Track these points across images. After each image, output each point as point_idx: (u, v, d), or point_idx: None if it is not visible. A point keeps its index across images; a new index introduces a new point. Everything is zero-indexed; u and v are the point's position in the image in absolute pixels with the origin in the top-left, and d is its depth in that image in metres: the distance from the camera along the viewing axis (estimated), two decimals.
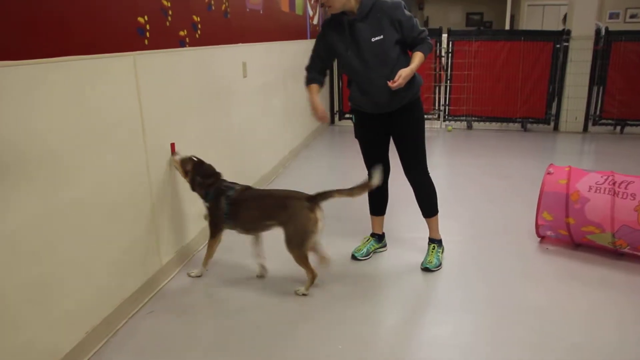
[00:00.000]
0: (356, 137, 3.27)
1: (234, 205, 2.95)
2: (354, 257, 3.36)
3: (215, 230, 3.05)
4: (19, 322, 2.01)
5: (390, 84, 2.80)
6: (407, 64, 2.90)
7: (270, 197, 3.05)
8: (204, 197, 3.03)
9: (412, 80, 2.93)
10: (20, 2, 1.96)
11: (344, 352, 2.44)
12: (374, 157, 3.20)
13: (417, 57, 2.91)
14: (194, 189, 3.04)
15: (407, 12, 2.92)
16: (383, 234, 3.50)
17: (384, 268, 3.27)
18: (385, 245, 3.52)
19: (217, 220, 3.01)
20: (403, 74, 2.80)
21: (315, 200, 2.83)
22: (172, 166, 3.10)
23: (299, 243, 2.82)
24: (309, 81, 3.15)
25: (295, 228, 2.82)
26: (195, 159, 3.06)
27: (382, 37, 2.87)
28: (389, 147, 3.23)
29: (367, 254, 3.39)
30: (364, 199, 3.40)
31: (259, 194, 3.12)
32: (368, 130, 3.19)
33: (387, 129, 3.15)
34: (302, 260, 2.86)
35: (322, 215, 2.84)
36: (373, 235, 3.48)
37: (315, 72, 3.15)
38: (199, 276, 3.14)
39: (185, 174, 3.04)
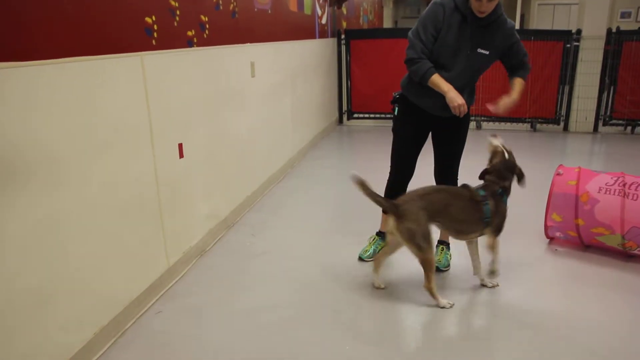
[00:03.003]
0: (393, 130, 3.18)
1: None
2: (360, 259, 3.34)
3: (501, 229, 2.92)
4: (28, 323, 2.02)
5: (490, 106, 2.87)
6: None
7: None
8: (497, 190, 2.87)
9: (472, 93, 3.00)
10: (26, 3, 1.97)
11: (352, 353, 2.43)
12: (406, 155, 3.15)
13: (518, 85, 2.96)
14: (493, 182, 2.90)
15: (517, 35, 2.91)
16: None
17: (392, 268, 3.25)
18: None
19: (504, 218, 2.90)
20: (504, 104, 2.89)
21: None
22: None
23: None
24: (429, 71, 2.83)
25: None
26: (509, 155, 2.97)
27: (488, 52, 2.84)
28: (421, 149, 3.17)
29: (374, 255, 3.37)
30: (364, 197, 3.38)
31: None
32: (411, 126, 3.09)
33: (431, 129, 3.11)
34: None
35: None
36: (379, 234, 3.45)
37: (428, 60, 2.85)
38: (497, 285, 3.02)
39: (490, 162, 2.97)
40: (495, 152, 2.97)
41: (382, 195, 3.08)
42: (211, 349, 2.48)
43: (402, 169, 3.20)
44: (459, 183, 3.05)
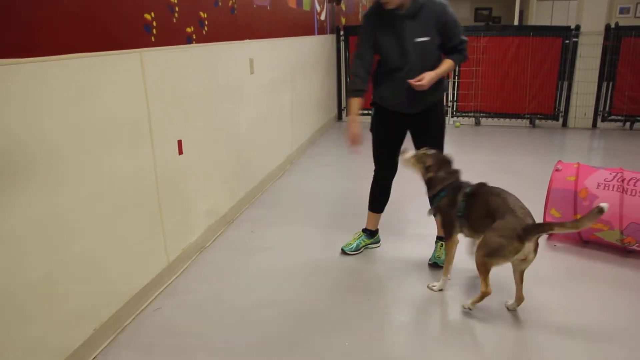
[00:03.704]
0: (371, 130, 3.25)
1: (468, 202, 2.75)
2: (343, 252, 3.38)
3: (449, 231, 2.85)
4: (29, 319, 2.03)
5: (412, 82, 2.80)
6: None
7: (498, 197, 2.67)
8: (437, 193, 2.85)
9: (439, 85, 2.93)
10: (27, 1, 1.96)
11: (351, 349, 2.44)
12: (385, 154, 3.22)
13: (446, 64, 2.91)
14: (430, 186, 2.87)
15: (454, 16, 2.88)
16: (376, 230, 3.49)
17: (388, 265, 3.26)
18: (378, 242, 3.52)
19: (451, 219, 2.81)
20: (427, 77, 2.80)
21: (530, 231, 2.48)
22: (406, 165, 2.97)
23: (488, 253, 2.55)
24: (353, 93, 3.01)
25: (492, 238, 2.54)
26: (431, 152, 2.92)
27: (428, 38, 2.85)
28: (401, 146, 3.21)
29: (357, 249, 3.40)
30: (363, 194, 3.40)
31: (493, 192, 2.74)
32: (385, 126, 3.16)
33: (406, 128, 3.14)
34: (480, 268, 2.62)
35: (531, 250, 2.53)
36: (365, 230, 3.48)
37: (361, 79, 2.99)
38: (442, 290, 2.93)
39: (426, 169, 2.87)
40: (421, 158, 2.92)
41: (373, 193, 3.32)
42: (211, 344, 2.49)
43: (383, 166, 3.28)
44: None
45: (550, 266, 3.24)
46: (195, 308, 2.81)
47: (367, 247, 3.45)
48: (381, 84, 3.05)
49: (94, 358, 2.40)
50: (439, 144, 3.11)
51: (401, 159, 3.02)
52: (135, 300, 2.73)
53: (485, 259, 2.58)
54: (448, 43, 2.92)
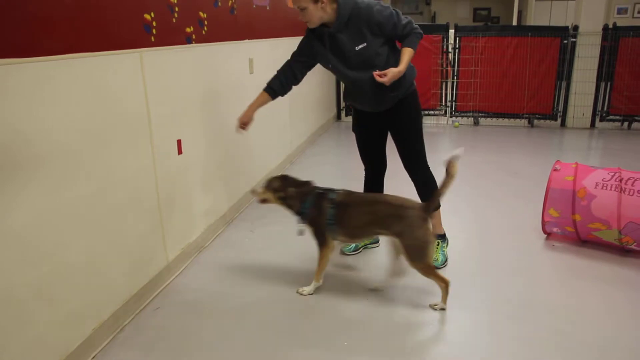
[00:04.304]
0: (353, 130, 3.28)
1: (339, 209, 2.78)
2: (342, 253, 3.38)
3: (322, 239, 2.86)
4: (28, 318, 2.03)
5: (376, 75, 2.76)
6: (397, 63, 2.85)
7: (382, 203, 2.79)
8: (301, 207, 2.84)
9: (401, 80, 2.86)
10: (29, 1, 1.97)
11: (349, 348, 2.45)
12: (369, 153, 3.26)
13: (406, 54, 2.85)
14: (291, 205, 2.87)
15: (384, 12, 2.82)
16: None
17: (386, 265, 3.26)
18: (377, 242, 3.53)
19: (321, 227, 2.83)
20: (389, 74, 2.75)
21: (428, 209, 2.69)
22: (259, 200, 2.95)
23: (422, 255, 2.66)
24: (267, 88, 3.08)
25: (415, 241, 2.65)
26: (276, 177, 2.95)
27: (365, 44, 2.83)
28: (386, 143, 3.23)
29: (356, 249, 3.42)
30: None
31: (369, 199, 2.93)
32: (364, 126, 3.19)
33: (384, 125, 3.14)
34: (428, 272, 2.71)
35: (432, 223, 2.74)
36: None
37: (279, 80, 3.05)
38: (311, 294, 2.92)
39: (275, 192, 2.87)
40: (269, 185, 2.91)
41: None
42: (210, 344, 2.50)
43: (370, 164, 3.31)
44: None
45: (549, 266, 3.25)
46: (195, 308, 2.81)
47: (366, 247, 3.46)
48: (347, 89, 3.12)
49: (93, 357, 2.40)
50: (415, 139, 3.10)
51: (256, 199, 2.98)
52: (134, 300, 2.73)
53: (426, 263, 2.68)
54: (394, 35, 2.89)
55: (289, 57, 3.10)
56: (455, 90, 7.66)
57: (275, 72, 3.09)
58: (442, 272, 3.11)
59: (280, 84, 3.06)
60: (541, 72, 7.25)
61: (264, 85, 3.10)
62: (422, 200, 3.23)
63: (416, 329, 2.64)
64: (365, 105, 3.07)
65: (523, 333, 2.55)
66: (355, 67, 2.89)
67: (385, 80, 2.75)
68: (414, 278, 3.08)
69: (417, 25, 2.91)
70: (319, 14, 2.78)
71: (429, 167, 3.18)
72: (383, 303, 2.84)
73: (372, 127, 3.18)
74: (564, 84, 7.28)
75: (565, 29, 7.11)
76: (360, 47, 2.84)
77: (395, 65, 2.81)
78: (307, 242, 3.53)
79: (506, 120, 7.71)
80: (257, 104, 3.10)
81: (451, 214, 3.43)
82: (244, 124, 3.10)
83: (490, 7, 18.37)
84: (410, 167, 3.17)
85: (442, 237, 3.32)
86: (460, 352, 2.43)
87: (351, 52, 2.86)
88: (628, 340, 2.48)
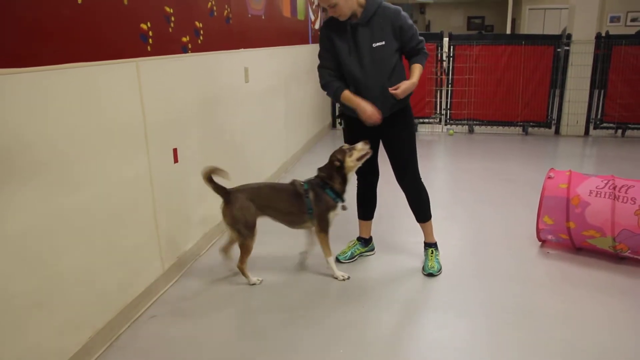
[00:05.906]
0: (345, 142, 3.26)
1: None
2: (337, 260, 3.38)
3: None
4: (24, 326, 2.03)
5: (392, 90, 2.85)
6: (403, 73, 2.96)
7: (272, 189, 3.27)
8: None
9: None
10: (27, 11, 1.98)
11: (345, 356, 2.45)
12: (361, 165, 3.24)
13: (417, 70, 2.96)
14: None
15: (409, 20, 2.94)
16: (370, 238, 3.52)
17: (383, 272, 3.28)
18: (372, 250, 3.54)
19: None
20: (403, 87, 2.85)
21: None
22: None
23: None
24: (337, 90, 3.01)
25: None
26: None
27: (383, 43, 2.89)
28: (378, 153, 3.24)
29: (352, 257, 3.42)
30: (354, 203, 3.42)
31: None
32: (356, 135, 3.16)
33: (376, 135, 3.15)
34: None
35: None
36: (359, 239, 3.50)
37: (336, 79, 3.03)
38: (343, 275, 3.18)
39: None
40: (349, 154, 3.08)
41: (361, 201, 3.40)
42: (206, 353, 2.50)
43: (362, 174, 3.31)
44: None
45: (544, 273, 3.26)
46: (190, 316, 2.81)
47: (361, 255, 3.47)
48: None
49: None
50: (405, 151, 3.13)
51: (359, 149, 3.06)
52: (130, 308, 2.73)
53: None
54: (408, 45, 2.97)
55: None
56: (450, 99, 7.70)
57: (323, 82, 3.08)
58: (435, 279, 3.14)
59: (338, 81, 3.03)
60: (535, 80, 7.30)
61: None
62: (413, 211, 3.25)
63: (413, 335, 2.64)
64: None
65: (520, 340, 2.55)
66: (368, 65, 2.91)
67: (398, 92, 2.85)
68: (411, 287, 3.09)
69: (425, 46, 3.04)
70: (349, 4, 2.84)
71: (420, 178, 3.21)
72: (378, 310, 2.85)
73: (364, 137, 3.17)
74: (557, 92, 7.33)
75: (558, 37, 7.17)
76: (377, 44, 2.89)
77: (400, 75, 2.94)
78: (302, 249, 3.55)
79: (500, 128, 7.76)
80: (354, 96, 2.98)
81: (446, 221, 3.45)
82: (376, 115, 2.94)
83: (484, 15, 18.51)
84: (403, 177, 3.18)
85: (435, 245, 3.34)
86: (455, 356, 2.43)
87: (367, 48, 2.90)
88: (624, 347, 2.49)
